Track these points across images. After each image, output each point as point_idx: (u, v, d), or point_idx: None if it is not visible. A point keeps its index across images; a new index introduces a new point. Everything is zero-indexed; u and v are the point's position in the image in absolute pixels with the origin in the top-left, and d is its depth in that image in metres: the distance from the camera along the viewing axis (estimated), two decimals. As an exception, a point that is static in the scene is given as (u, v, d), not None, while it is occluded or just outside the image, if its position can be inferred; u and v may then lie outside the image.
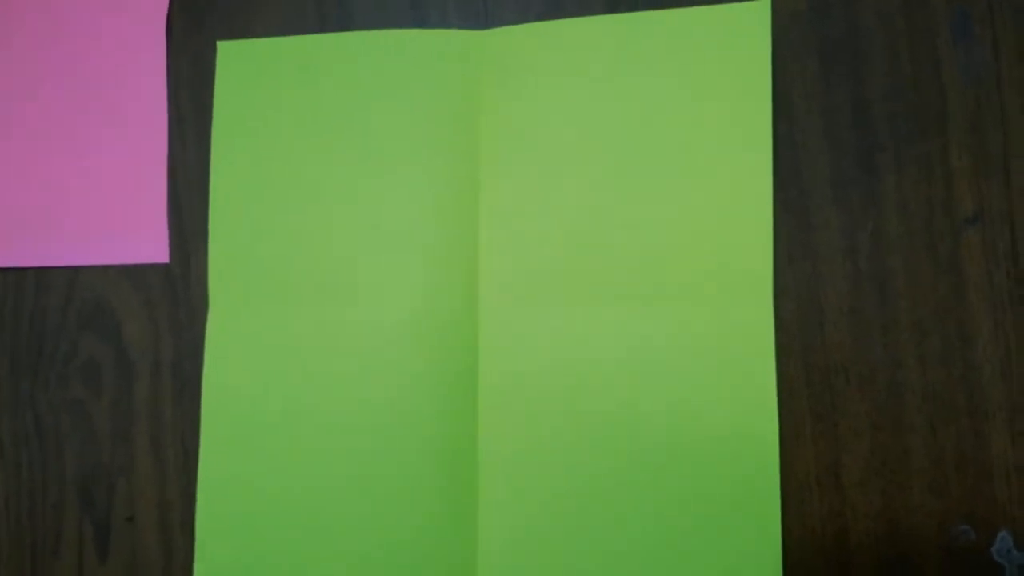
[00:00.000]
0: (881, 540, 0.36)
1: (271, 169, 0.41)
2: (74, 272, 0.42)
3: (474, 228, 0.40)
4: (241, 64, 0.42)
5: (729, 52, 0.38)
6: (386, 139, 0.40)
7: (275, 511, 0.39)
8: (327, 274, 0.40)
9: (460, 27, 0.41)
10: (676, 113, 0.38)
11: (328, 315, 0.40)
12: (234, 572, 0.39)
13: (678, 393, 0.37)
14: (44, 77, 0.43)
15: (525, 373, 0.38)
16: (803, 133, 0.38)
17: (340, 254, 0.40)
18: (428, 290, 0.39)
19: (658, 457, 0.37)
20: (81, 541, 0.41)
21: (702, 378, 0.37)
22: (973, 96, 0.37)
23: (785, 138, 0.38)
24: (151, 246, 0.41)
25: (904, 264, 0.37)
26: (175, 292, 0.41)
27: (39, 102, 0.43)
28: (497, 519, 0.38)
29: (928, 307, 0.36)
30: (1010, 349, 0.36)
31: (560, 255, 0.39)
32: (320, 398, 0.39)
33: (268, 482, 0.39)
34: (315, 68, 0.41)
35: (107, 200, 0.42)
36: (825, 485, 0.36)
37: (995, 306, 0.36)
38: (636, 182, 0.38)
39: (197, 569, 0.39)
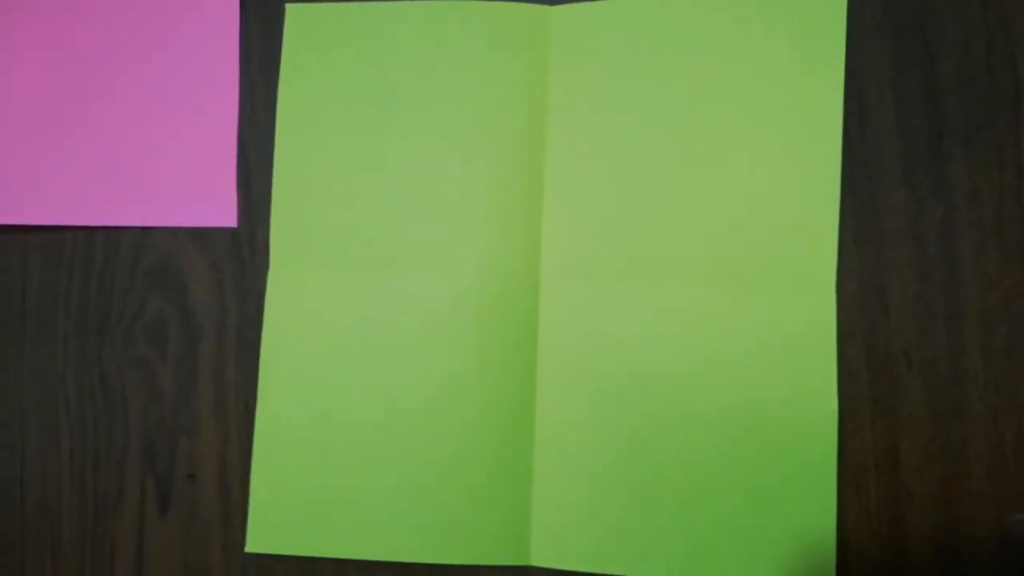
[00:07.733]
0: (937, 526, 0.36)
1: (335, 134, 0.41)
2: (143, 233, 0.43)
3: (538, 202, 0.40)
4: (309, 28, 0.42)
5: (803, 33, 0.38)
6: (452, 109, 0.41)
7: (329, 474, 0.40)
8: (388, 241, 0.41)
9: (530, 1, 0.41)
10: (746, 93, 0.38)
11: (388, 282, 0.40)
12: (286, 530, 0.40)
13: (737, 374, 0.37)
14: (118, 42, 0.44)
15: (584, 347, 0.39)
16: (874, 116, 0.38)
17: (402, 222, 0.41)
18: (490, 261, 0.40)
19: (713, 436, 0.37)
20: (142, 496, 0.42)
21: (761, 359, 0.37)
22: (1047, 86, 0.37)
23: (855, 120, 0.38)
24: (220, 210, 0.42)
25: (971, 252, 0.37)
26: (242, 256, 0.42)
27: (112, 66, 0.44)
28: (551, 491, 0.39)
29: (994, 296, 0.36)
30: (1076, 340, 0.36)
31: (624, 232, 0.39)
32: (377, 364, 0.40)
33: (322, 444, 0.40)
34: (383, 35, 0.41)
35: (178, 163, 0.43)
36: (883, 470, 0.37)
37: (1062, 297, 0.36)
38: (703, 162, 0.38)
39: (251, 526, 0.40)
